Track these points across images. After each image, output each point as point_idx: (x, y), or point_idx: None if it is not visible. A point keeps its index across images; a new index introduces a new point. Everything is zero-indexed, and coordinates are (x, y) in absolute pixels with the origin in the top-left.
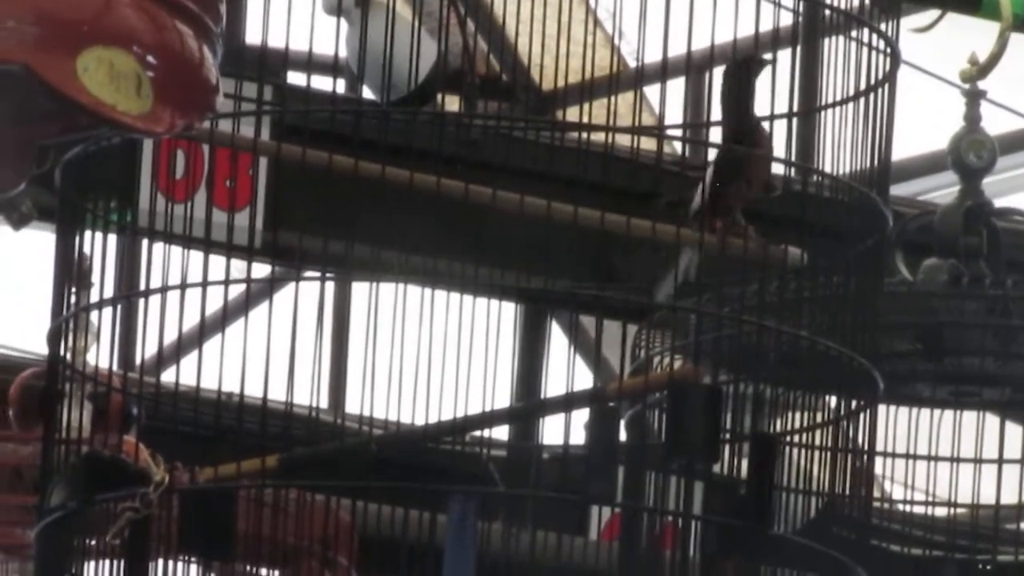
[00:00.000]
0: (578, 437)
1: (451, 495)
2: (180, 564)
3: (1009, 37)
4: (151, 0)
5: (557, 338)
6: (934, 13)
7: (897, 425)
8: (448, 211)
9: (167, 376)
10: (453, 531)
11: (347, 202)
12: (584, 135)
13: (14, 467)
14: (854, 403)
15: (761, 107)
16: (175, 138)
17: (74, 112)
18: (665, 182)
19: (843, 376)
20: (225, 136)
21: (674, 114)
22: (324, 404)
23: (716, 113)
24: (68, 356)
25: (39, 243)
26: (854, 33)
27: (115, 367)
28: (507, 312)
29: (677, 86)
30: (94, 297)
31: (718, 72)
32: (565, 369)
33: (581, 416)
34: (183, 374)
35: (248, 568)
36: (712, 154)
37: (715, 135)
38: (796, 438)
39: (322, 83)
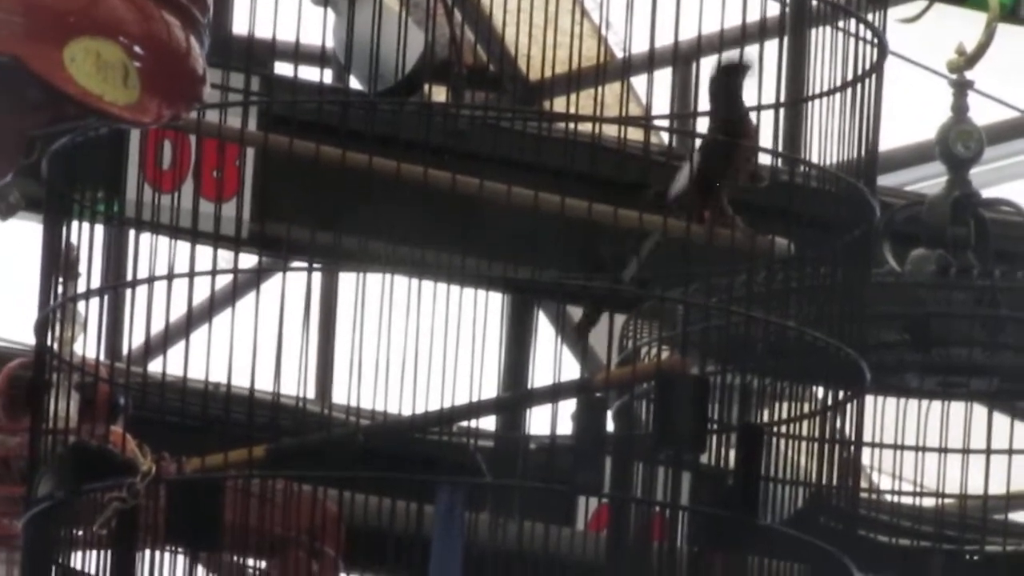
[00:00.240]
0: (565, 427)
1: (438, 485)
2: (167, 554)
3: (996, 27)
4: None
5: (544, 328)
6: (921, 3)
7: (885, 415)
8: (435, 201)
9: (154, 366)
10: (440, 521)
11: (334, 192)
12: (571, 125)
13: (2, 458)
14: (842, 393)
15: (749, 97)
16: (162, 128)
17: (62, 102)
18: (652, 172)
19: (831, 366)
20: (212, 126)
21: (661, 104)
22: (311, 394)
23: (703, 103)
24: (55, 346)
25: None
26: (841, 23)
27: (102, 357)
28: (494, 302)
29: (664, 76)
30: (81, 287)
31: (705, 63)
32: (552, 359)
33: (568, 407)
34: (170, 364)
35: (235, 558)
36: (699, 144)
37: (702, 125)
38: (784, 429)
39: (309, 73)
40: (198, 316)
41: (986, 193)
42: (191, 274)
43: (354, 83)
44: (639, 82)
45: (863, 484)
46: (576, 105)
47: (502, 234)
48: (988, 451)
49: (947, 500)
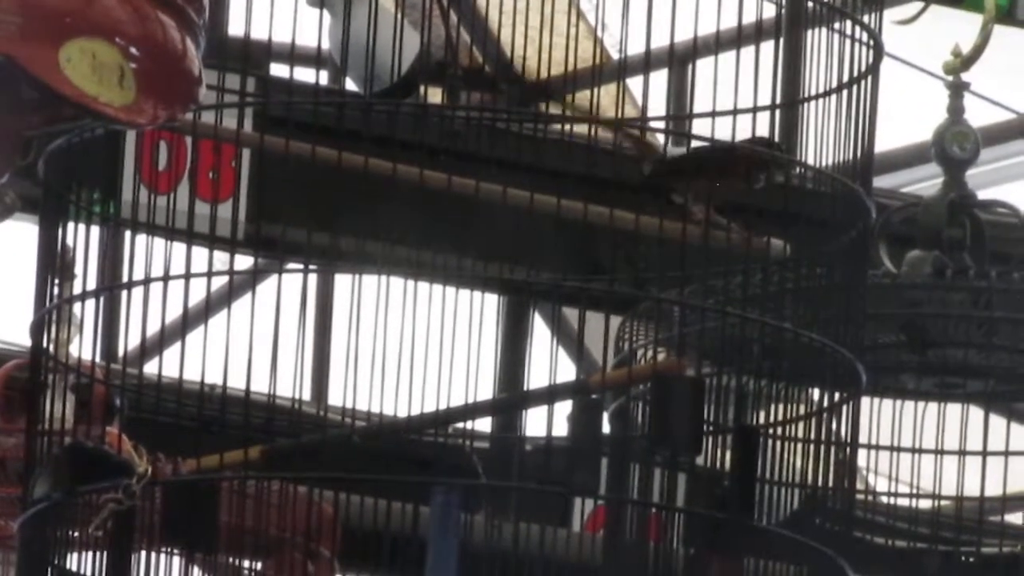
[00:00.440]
0: (561, 429)
1: (434, 487)
2: (163, 556)
3: (992, 29)
4: None
5: (540, 330)
6: (917, 5)
7: (881, 417)
8: (431, 203)
9: (150, 368)
10: (436, 523)
11: (330, 194)
12: (567, 127)
13: None
14: (838, 395)
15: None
16: (158, 129)
17: (57, 103)
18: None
19: (827, 368)
20: (208, 128)
21: (657, 106)
22: (307, 396)
23: (699, 105)
24: (51, 347)
25: (22, 234)
26: (837, 25)
27: (98, 358)
28: (490, 304)
29: (660, 78)
30: (77, 288)
31: (701, 64)
32: (548, 361)
33: (564, 408)
34: (166, 366)
35: (231, 560)
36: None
37: (698, 127)
38: (780, 430)
39: (305, 75)
40: (194, 317)
41: (982, 195)
42: (187, 275)
43: (350, 84)
44: (635, 84)
45: (859, 486)
46: (572, 107)
47: (498, 235)
48: (984, 452)
49: (943, 502)
